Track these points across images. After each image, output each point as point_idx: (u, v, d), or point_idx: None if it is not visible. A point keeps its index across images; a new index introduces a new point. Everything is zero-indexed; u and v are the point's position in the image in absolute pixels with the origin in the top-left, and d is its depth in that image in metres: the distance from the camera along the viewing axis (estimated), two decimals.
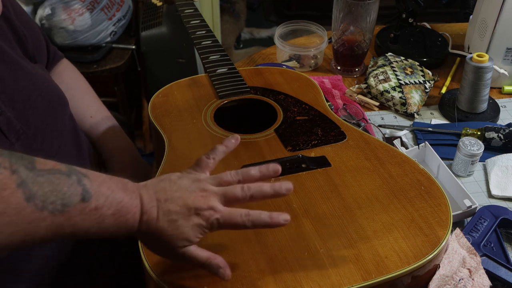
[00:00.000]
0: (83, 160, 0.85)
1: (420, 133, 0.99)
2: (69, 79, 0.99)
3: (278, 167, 0.60)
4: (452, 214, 0.68)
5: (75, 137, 0.85)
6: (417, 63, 1.13)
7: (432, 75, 1.13)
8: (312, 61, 1.21)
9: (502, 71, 1.10)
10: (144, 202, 0.54)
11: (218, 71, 0.95)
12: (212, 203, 0.55)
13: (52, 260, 0.75)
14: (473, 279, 0.66)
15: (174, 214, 0.54)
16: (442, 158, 0.89)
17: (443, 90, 1.12)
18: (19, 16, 0.83)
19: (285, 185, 0.57)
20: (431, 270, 0.66)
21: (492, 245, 0.76)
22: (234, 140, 0.64)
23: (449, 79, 1.16)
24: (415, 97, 1.06)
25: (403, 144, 0.95)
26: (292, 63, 1.20)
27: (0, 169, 0.46)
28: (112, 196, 0.51)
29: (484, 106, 1.04)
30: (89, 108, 0.98)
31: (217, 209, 0.55)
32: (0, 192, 0.45)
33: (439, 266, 0.66)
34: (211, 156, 0.61)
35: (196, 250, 0.55)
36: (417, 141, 0.98)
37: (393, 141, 0.94)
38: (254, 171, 0.59)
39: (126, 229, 0.53)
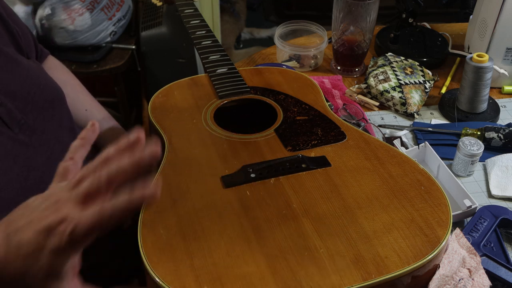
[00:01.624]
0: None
1: (420, 133, 0.99)
2: (60, 75, 0.99)
3: (140, 134, 0.49)
4: (452, 214, 0.68)
5: (72, 133, 0.86)
6: (417, 63, 1.13)
7: (432, 75, 1.13)
8: (312, 61, 1.21)
9: (502, 71, 1.10)
10: None
11: (218, 71, 0.95)
12: (63, 212, 0.44)
13: None
14: (473, 279, 0.66)
15: (25, 246, 0.43)
16: (442, 158, 0.89)
17: (443, 90, 1.12)
18: (10, 15, 0.84)
19: (150, 147, 0.46)
20: (431, 270, 0.66)
21: (492, 245, 0.76)
22: (90, 130, 0.53)
23: (449, 79, 1.16)
24: (415, 97, 1.06)
25: (403, 144, 0.95)
26: (292, 63, 1.20)
27: None
28: None
29: (484, 106, 1.04)
30: (84, 102, 0.98)
31: (72, 217, 0.44)
32: None
33: (439, 266, 0.66)
34: (68, 156, 0.51)
35: None
36: (417, 141, 0.98)
37: (393, 141, 0.94)
38: (110, 149, 0.48)
39: None
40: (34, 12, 1.70)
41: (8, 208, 0.58)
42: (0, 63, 0.74)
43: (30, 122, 0.75)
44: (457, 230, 0.73)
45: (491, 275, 0.70)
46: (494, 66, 1.06)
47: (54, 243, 0.43)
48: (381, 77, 1.08)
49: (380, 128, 1.00)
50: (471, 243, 0.72)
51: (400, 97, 1.05)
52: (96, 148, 0.94)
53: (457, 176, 0.91)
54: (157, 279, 0.59)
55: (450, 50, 1.22)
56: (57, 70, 1.00)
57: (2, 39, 0.79)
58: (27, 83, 0.76)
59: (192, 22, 1.07)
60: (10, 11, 0.86)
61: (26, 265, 0.43)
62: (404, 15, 1.18)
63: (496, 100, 1.08)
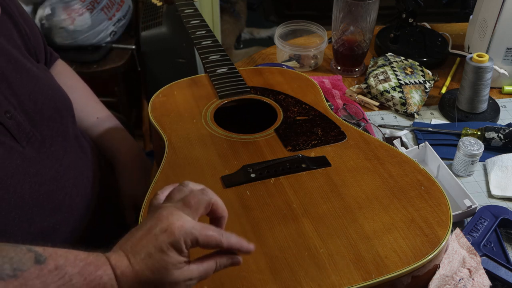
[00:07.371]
0: (88, 162, 0.85)
1: (420, 133, 0.99)
2: (69, 81, 0.98)
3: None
4: (452, 214, 0.68)
5: (78, 140, 0.85)
6: (417, 63, 1.13)
7: (432, 75, 1.13)
8: (312, 61, 1.21)
9: (502, 71, 1.10)
10: (110, 257, 0.50)
11: (218, 71, 0.95)
12: (178, 219, 0.51)
13: None
14: (473, 279, 0.66)
15: (143, 249, 0.49)
16: (442, 158, 0.89)
17: (443, 90, 1.12)
18: (22, 15, 0.83)
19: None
20: (431, 270, 0.66)
21: (492, 245, 0.76)
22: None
23: (449, 79, 1.16)
24: (415, 97, 1.06)
25: (403, 144, 0.95)
26: (292, 63, 1.20)
27: None
28: (72, 256, 0.48)
29: (484, 106, 1.04)
30: (94, 109, 0.98)
31: (186, 223, 0.50)
32: None
33: (439, 266, 0.66)
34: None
35: (195, 265, 0.51)
36: (417, 141, 0.98)
37: (393, 141, 0.94)
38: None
39: None
40: (34, 12, 1.70)
41: (22, 225, 0.67)
42: (9, 69, 0.72)
43: (37, 135, 0.74)
44: (457, 230, 0.73)
45: (491, 275, 0.70)
46: (494, 66, 1.06)
47: (170, 240, 0.49)
48: (381, 77, 1.08)
49: (380, 128, 1.00)
50: (471, 243, 0.72)
51: (400, 97, 1.05)
52: (98, 148, 0.95)
53: (457, 176, 0.91)
54: None
55: (450, 50, 1.22)
56: (65, 75, 0.98)
57: (12, 40, 0.77)
58: (36, 92, 0.75)
59: (192, 22, 1.07)
60: (22, 10, 0.84)
61: (149, 265, 0.50)
62: (404, 15, 1.18)
63: (496, 100, 1.08)
